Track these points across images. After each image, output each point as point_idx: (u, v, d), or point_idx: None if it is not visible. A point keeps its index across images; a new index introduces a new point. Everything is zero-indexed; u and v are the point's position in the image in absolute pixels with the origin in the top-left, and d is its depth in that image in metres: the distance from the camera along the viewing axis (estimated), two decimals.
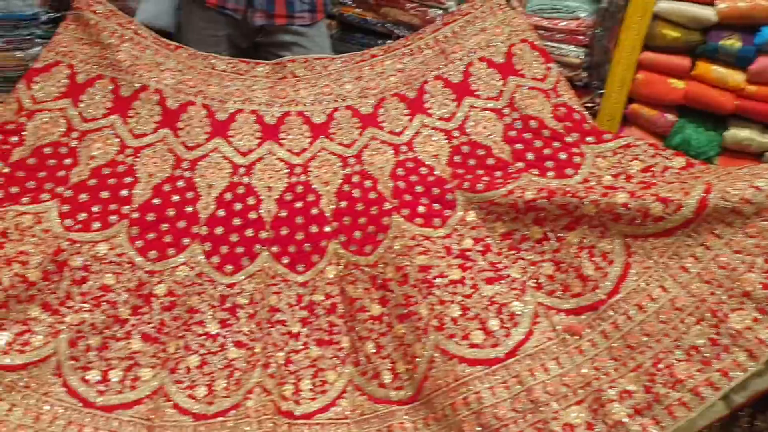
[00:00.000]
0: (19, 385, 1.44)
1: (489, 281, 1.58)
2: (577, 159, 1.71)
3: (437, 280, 1.58)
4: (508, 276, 1.59)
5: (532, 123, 1.78)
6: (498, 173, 1.73)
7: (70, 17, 1.90)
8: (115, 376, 1.53)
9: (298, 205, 1.78)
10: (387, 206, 1.71)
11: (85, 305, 1.58)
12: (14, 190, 1.69)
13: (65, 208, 1.69)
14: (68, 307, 1.57)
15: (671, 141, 2.01)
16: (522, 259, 1.62)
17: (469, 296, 1.55)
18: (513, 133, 1.79)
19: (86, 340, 1.54)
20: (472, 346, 1.49)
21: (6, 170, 1.71)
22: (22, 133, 1.78)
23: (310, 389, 1.59)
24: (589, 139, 1.74)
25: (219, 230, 1.75)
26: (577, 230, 1.56)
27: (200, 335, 1.62)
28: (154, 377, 1.54)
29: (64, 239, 1.62)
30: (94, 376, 1.52)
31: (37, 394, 1.45)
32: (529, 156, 1.74)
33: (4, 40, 2.01)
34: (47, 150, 1.77)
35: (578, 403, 1.39)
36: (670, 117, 2.04)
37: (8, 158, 1.73)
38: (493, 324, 1.51)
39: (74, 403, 1.47)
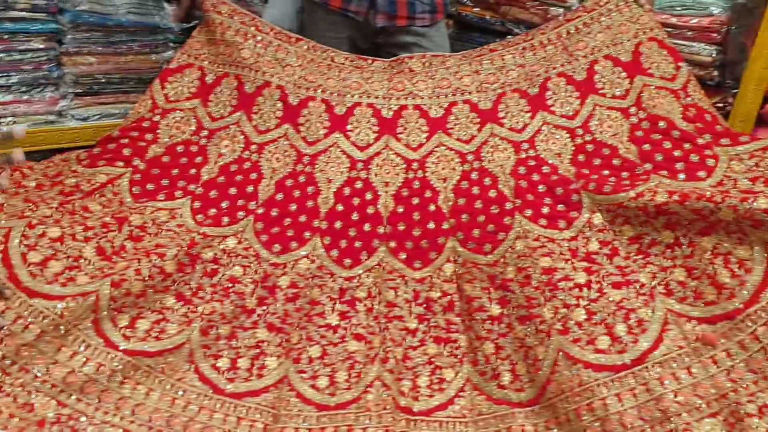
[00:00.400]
0: (155, 370, 1.50)
1: (616, 286, 1.53)
2: (710, 162, 1.63)
3: (562, 283, 1.55)
4: (637, 281, 1.54)
5: (661, 123, 1.72)
6: (625, 174, 1.67)
7: (203, 21, 1.98)
8: (243, 364, 1.58)
9: (415, 201, 1.79)
10: (508, 206, 1.69)
11: (216, 296, 1.64)
12: (150, 186, 1.77)
13: (197, 204, 1.76)
14: (200, 298, 1.63)
15: None
16: (651, 264, 1.57)
17: (594, 300, 1.52)
18: (640, 133, 1.73)
19: (216, 329, 1.60)
20: (598, 351, 1.46)
21: (142, 166, 1.79)
22: (157, 131, 1.86)
23: (428, 386, 1.60)
24: (723, 141, 1.66)
25: (338, 224, 1.78)
26: (711, 236, 1.50)
27: (321, 326, 1.66)
28: (279, 366, 1.59)
29: (196, 233, 1.69)
30: (224, 363, 1.57)
31: (171, 379, 1.51)
32: (658, 157, 1.68)
33: (140, 44, 2.10)
34: (179, 148, 1.84)
35: (712, 416, 1.34)
36: None
37: (144, 155, 1.82)
38: (620, 329, 1.47)
39: (205, 390, 1.52)
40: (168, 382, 1.51)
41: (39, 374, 1.37)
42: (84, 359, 1.42)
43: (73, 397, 1.38)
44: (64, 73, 2.00)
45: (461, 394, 1.58)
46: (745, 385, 1.34)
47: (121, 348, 1.47)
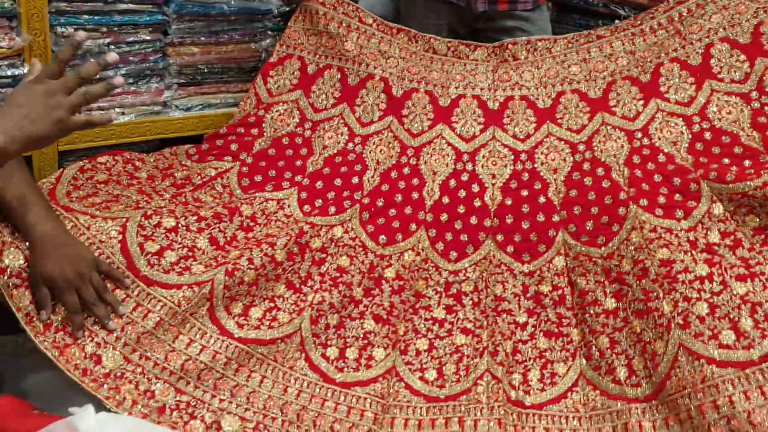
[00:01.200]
0: (268, 358, 1.52)
1: (740, 278, 1.46)
2: None
3: (681, 276, 1.48)
4: (763, 273, 1.46)
5: None
6: (747, 163, 1.59)
7: (300, 10, 2.00)
8: (351, 354, 1.59)
9: (524, 193, 1.76)
10: (623, 196, 1.64)
11: (324, 285, 1.65)
12: (258, 178, 1.81)
13: (303, 195, 1.78)
14: (309, 287, 1.65)
15: None
16: None
17: (717, 293, 1.45)
18: (763, 119, 1.65)
19: (326, 318, 1.61)
20: (722, 346, 1.39)
21: (249, 160, 1.83)
22: (262, 125, 1.90)
23: (539, 380, 1.56)
24: None
25: (444, 217, 1.77)
26: None
27: (427, 319, 1.65)
28: (386, 357, 1.58)
29: (304, 223, 1.71)
30: (332, 353, 1.58)
31: (284, 368, 1.53)
32: None
33: (240, 33, 2.12)
34: (284, 141, 1.87)
35: None
36: None
37: (251, 149, 1.86)
38: (746, 324, 1.40)
39: (316, 378, 1.53)
40: (281, 371, 1.52)
41: (159, 362, 1.40)
42: (200, 347, 1.45)
43: (191, 384, 1.41)
44: (168, 64, 2.04)
45: (575, 388, 1.54)
46: None
47: (236, 336, 1.49)
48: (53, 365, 1.35)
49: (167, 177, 1.79)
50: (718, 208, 1.55)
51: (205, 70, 2.11)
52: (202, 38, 2.06)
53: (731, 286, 1.45)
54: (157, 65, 2.02)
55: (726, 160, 1.62)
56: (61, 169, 1.68)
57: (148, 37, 1.99)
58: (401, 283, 1.70)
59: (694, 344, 1.41)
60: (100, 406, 1.08)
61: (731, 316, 1.41)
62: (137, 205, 1.60)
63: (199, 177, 1.80)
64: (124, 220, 1.52)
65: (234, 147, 1.86)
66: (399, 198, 1.79)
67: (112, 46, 1.94)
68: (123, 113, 2.00)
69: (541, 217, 1.72)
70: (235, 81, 2.18)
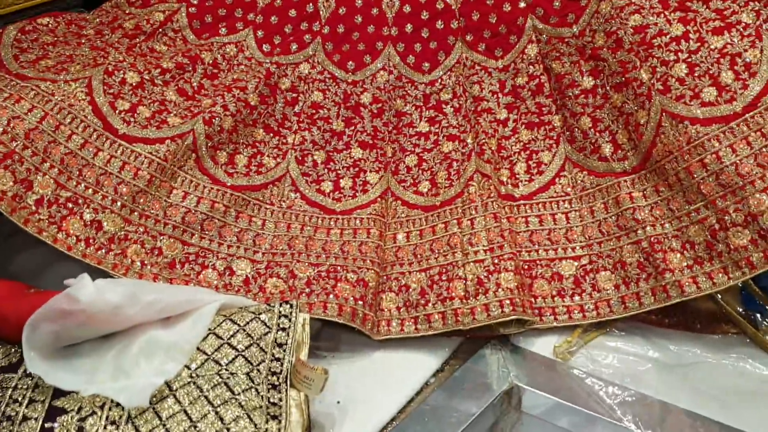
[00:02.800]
0: (265, 203, 1.54)
1: (716, 32, 1.42)
2: None
3: (656, 40, 1.45)
4: (739, 22, 1.42)
5: None
6: None
7: None
8: (345, 183, 1.60)
9: None
10: None
11: (302, 125, 1.64)
12: (209, 19, 1.73)
13: (260, 33, 1.72)
14: (287, 128, 1.64)
15: None
16: (753, 0, 1.44)
17: (695, 51, 1.42)
18: None
19: (311, 156, 1.62)
20: (705, 104, 1.38)
21: (195, 0, 1.73)
22: None
23: (526, 171, 1.59)
24: None
25: (408, 28, 1.71)
26: None
27: (412, 136, 1.66)
28: (380, 179, 1.60)
29: (269, 63, 1.66)
30: (327, 186, 1.60)
31: (282, 209, 1.55)
32: None
33: None
34: None
35: None
36: None
37: None
38: (727, 78, 1.38)
39: (317, 212, 1.56)
40: (280, 212, 1.55)
41: (159, 218, 1.41)
42: (197, 198, 1.46)
43: (196, 235, 1.43)
44: None
45: (562, 173, 1.57)
46: None
47: (228, 184, 1.50)
48: (42, 242, 1.31)
49: (116, 30, 1.70)
50: None
51: None
52: None
53: (708, 41, 1.42)
54: None
55: None
56: None
57: None
58: (379, 105, 1.69)
59: (676, 107, 1.41)
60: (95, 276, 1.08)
61: (711, 72, 1.40)
62: (95, 62, 1.54)
63: (148, 24, 1.71)
64: (87, 79, 1.47)
65: None
66: (359, 19, 1.72)
67: None
68: None
69: (507, 7, 1.66)
70: None
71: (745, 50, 1.39)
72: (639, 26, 1.48)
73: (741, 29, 1.42)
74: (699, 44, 1.43)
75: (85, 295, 1.02)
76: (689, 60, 1.42)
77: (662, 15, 1.48)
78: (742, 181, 1.30)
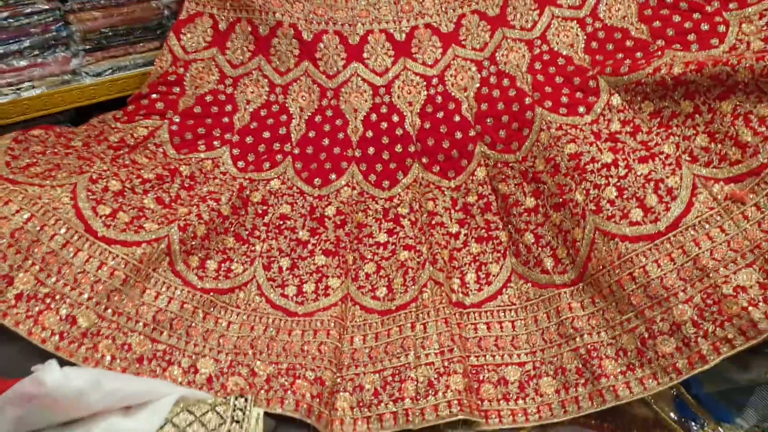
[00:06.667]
0: (231, 305, 1.63)
1: (642, 160, 1.60)
2: (721, 28, 1.68)
3: (589, 166, 1.62)
4: (662, 152, 1.60)
5: None
6: (639, 54, 1.73)
7: None
8: (308, 288, 1.69)
9: (440, 115, 1.86)
10: (528, 101, 1.76)
11: (270, 234, 1.76)
12: (188, 136, 1.88)
13: (236, 151, 1.87)
14: (256, 237, 1.75)
15: None
16: (673, 134, 1.63)
17: (623, 177, 1.58)
18: (648, 11, 1.78)
19: (277, 263, 1.72)
20: (633, 224, 1.53)
21: (176, 119, 1.89)
22: (183, 83, 1.95)
23: (476, 281, 1.70)
24: (731, 5, 1.70)
25: (371, 150, 1.87)
26: (730, 98, 1.55)
27: (372, 245, 1.77)
28: (341, 284, 1.69)
29: (243, 179, 1.80)
30: (291, 291, 1.68)
31: (247, 311, 1.63)
32: (670, 32, 1.73)
33: None
34: (208, 98, 1.93)
35: (749, 266, 1.39)
36: None
37: (176, 108, 1.92)
38: (651, 201, 1.54)
39: (280, 315, 1.64)
40: (245, 314, 1.63)
41: (131, 316, 1.48)
42: (167, 299, 1.54)
43: (165, 333, 1.50)
44: (72, 32, 2.02)
45: (508, 284, 1.68)
46: None
47: (198, 287, 1.59)
48: (13, 336, 1.36)
49: (102, 142, 1.83)
50: (617, 99, 1.69)
51: (110, 34, 2.09)
52: (102, 1, 2.04)
53: (635, 168, 1.59)
54: (60, 34, 1.99)
55: (620, 55, 1.76)
56: None
57: (46, 6, 1.95)
58: (342, 217, 1.81)
59: (607, 226, 1.55)
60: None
61: (638, 195, 1.56)
62: (81, 170, 1.66)
63: (132, 138, 1.85)
64: (72, 185, 1.58)
65: (159, 105, 1.92)
66: (326, 142, 1.88)
67: (10, 20, 1.91)
68: (33, 87, 1.97)
69: (458, 135, 1.83)
70: (142, 41, 2.16)
71: (667, 177, 1.56)
72: (574, 153, 1.64)
73: (663, 158, 1.59)
74: (627, 170, 1.59)
75: (51, 379, 1.08)
76: (618, 184, 1.58)
77: (594, 144, 1.65)
78: (666, 293, 1.42)
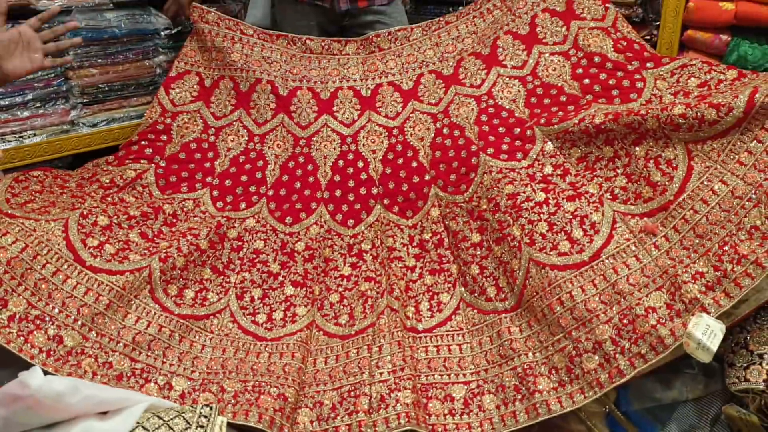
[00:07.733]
0: (205, 330, 1.80)
1: (570, 199, 1.77)
2: (639, 84, 1.89)
3: (525, 204, 1.79)
4: (587, 192, 1.78)
5: (596, 59, 1.99)
6: (571, 107, 1.94)
7: (192, 31, 2.25)
8: (277, 315, 1.85)
9: (400, 161, 2.07)
10: (474, 148, 1.96)
11: (244, 266, 1.94)
12: (173, 179, 2.07)
13: (216, 193, 2.07)
14: (231, 269, 1.93)
15: (728, 59, 2.03)
16: (597, 176, 1.81)
17: (554, 213, 1.75)
18: (580, 70, 2.00)
19: (249, 293, 1.89)
20: (561, 254, 1.69)
21: (163, 163, 2.09)
22: (170, 132, 2.16)
23: (428, 309, 1.85)
24: (648, 65, 1.92)
25: (338, 192, 2.07)
26: (643, 144, 1.74)
27: (336, 278, 1.94)
28: (307, 312, 1.86)
29: (220, 217, 1.99)
30: (261, 318, 1.85)
31: (220, 335, 1.80)
32: (596, 88, 1.95)
33: (134, 52, 2.27)
34: (192, 146, 2.14)
35: (658, 289, 1.55)
36: (724, 38, 2.04)
37: (163, 153, 2.12)
38: (577, 234, 1.71)
39: (250, 339, 1.80)
40: (217, 338, 1.79)
41: (113, 337, 1.64)
42: (147, 322, 1.70)
43: (143, 354, 1.66)
44: (71, 86, 2.17)
45: (457, 311, 1.83)
46: (681, 260, 1.57)
47: (175, 313, 1.76)
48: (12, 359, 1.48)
49: (94, 182, 2.02)
50: (549, 146, 1.90)
51: (106, 89, 2.23)
52: (99, 60, 2.20)
53: (563, 206, 1.77)
54: (60, 88, 2.14)
55: (554, 108, 1.97)
56: None
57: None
58: (311, 252, 2.00)
59: (539, 256, 1.72)
60: None
61: (566, 229, 1.73)
62: (73, 207, 1.83)
63: (121, 179, 2.03)
64: (65, 220, 1.75)
65: (148, 151, 2.12)
66: (298, 185, 2.08)
67: None
68: (35, 134, 2.12)
69: (416, 179, 2.03)
70: (135, 96, 2.31)
71: (591, 213, 1.74)
72: (512, 194, 1.83)
73: (588, 197, 1.78)
74: (557, 208, 1.77)
75: (35, 382, 1.18)
76: (549, 220, 1.76)
77: (530, 185, 1.84)
78: (589, 315, 1.57)
